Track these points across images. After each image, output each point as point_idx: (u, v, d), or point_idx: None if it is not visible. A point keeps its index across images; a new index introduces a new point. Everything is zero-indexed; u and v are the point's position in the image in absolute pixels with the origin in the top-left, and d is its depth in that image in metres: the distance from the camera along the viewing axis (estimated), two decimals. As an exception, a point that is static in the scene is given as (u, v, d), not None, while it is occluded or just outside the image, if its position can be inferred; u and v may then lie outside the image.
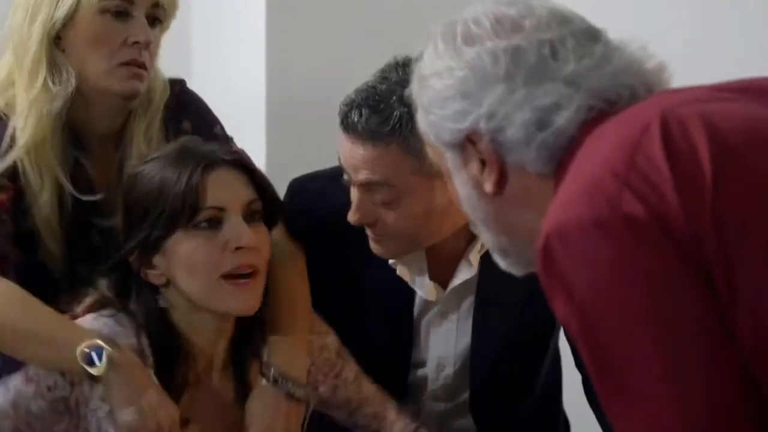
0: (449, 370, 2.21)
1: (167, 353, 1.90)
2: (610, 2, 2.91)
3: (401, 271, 2.13)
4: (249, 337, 1.97)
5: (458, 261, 2.14)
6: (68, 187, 2.07)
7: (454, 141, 1.46)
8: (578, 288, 1.25)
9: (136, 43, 2.08)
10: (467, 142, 1.45)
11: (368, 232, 2.08)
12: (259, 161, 2.02)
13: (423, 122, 1.51)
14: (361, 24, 3.21)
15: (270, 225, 1.97)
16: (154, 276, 1.92)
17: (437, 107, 1.47)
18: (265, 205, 1.94)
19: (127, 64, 2.08)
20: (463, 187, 1.49)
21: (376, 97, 2.00)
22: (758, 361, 1.22)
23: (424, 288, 2.14)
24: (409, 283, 2.13)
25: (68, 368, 1.85)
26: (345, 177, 2.07)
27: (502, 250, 1.51)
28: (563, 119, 1.39)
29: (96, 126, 2.15)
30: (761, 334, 1.21)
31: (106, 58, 2.08)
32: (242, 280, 1.88)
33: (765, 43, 2.71)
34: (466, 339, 2.19)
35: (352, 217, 2.05)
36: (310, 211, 2.16)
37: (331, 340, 2.07)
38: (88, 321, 1.91)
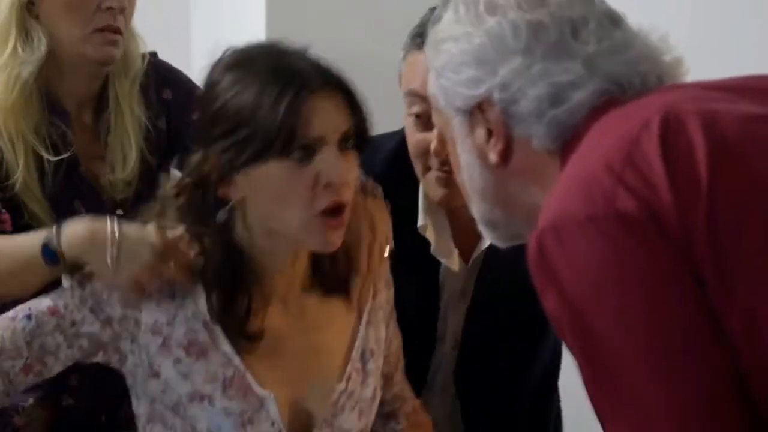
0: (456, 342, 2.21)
1: (233, 274, 1.79)
2: (610, 2, 2.91)
3: (430, 234, 2.11)
4: (323, 265, 1.87)
5: (479, 234, 2.12)
6: (40, 149, 2.06)
7: (464, 107, 1.45)
8: (569, 283, 1.25)
9: (110, 8, 2.08)
10: (476, 110, 1.44)
11: (441, 172, 2.01)
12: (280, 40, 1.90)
13: (434, 85, 1.50)
14: (361, 22, 3.21)
15: (360, 150, 1.81)
16: (229, 193, 1.77)
17: (451, 71, 1.46)
18: (358, 131, 1.79)
19: (101, 30, 2.08)
20: (467, 154, 1.48)
21: None
22: (750, 359, 1.21)
23: (448, 255, 2.11)
24: (433, 251, 2.11)
25: (40, 271, 1.78)
26: (415, 109, 2.01)
27: (493, 222, 1.51)
28: (577, 99, 1.39)
29: (72, 92, 2.15)
30: (754, 332, 1.21)
31: (81, 25, 2.08)
32: (333, 221, 1.74)
33: (765, 43, 2.71)
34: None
35: (441, 145, 1.95)
36: None
37: (392, 294, 2.01)
38: None
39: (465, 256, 2.16)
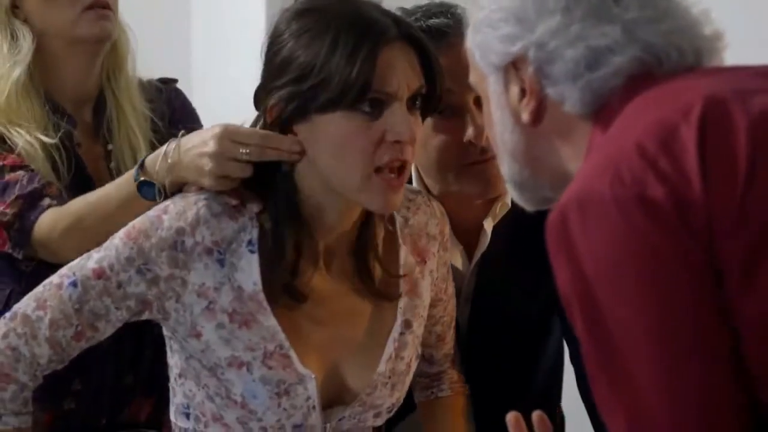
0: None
1: (290, 226, 1.75)
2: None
3: None
4: (373, 229, 1.84)
5: (479, 233, 2.12)
6: (53, 151, 2.06)
7: (499, 63, 1.44)
8: (586, 259, 1.24)
9: None
10: (511, 67, 1.43)
11: (481, 158, 1.97)
12: None
13: (471, 40, 1.48)
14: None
15: (427, 112, 1.78)
16: (297, 146, 1.74)
17: (489, 26, 1.44)
18: (429, 92, 1.75)
19: (90, 7, 2.07)
20: (500, 112, 1.46)
21: (448, 5, 2.02)
22: (758, 358, 1.21)
23: (453, 252, 2.08)
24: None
25: (135, 197, 1.83)
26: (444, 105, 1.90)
27: (521, 183, 1.49)
28: (614, 65, 1.37)
29: (69, 90, 2.14)
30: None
31: (69, 7, 2.07)
32: (393, 178, 1.71)
33: (765, 42, 2.71)
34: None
35: (483, 134, 1.91)
36: None
37: (447, 257, 1.98)
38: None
39: (468, 256, 2.14)
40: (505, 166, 1.49)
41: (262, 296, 1.75)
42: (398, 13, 1.86)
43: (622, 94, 1.36)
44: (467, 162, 1.98)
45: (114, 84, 2.16)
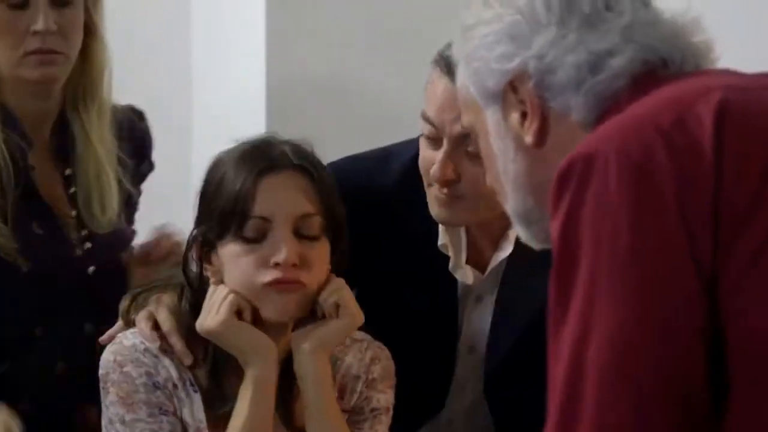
0: (480, 352, 2.20)
1: (227, 364, 1.88)
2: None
3: (451, 251, 2.11)
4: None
5: (496, 245, 2.13)
6: None
7: (497, 87, 1.43)
8: (582, 213, 1.25)
9: (37, 32, 2.01)
10: (509, 90, 1.42)
11: (441, 193, 2.02)
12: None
13: (464, 74, 1.48)
14: (362, 23, 3.20)
15: (334, 241, 1.89)
16: (210, 272, 1.88)
17: (483, 50, 1.44)
18: (327, 219, 1.87)
19: (32, 53, 2.03)
20: (501, 141, 1.45)
21: None
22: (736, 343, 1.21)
23: (461, 272, 2.12)
24: (451, 267, 2.11)
25: None
26: (428, 132, 2.00)
27: (527, 215, 1.48)
28: (616, 66, 1.37)
29: (25, 109, 2.10)
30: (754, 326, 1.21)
31: (11, 49, 2.03)
32: (283, 284, 1.83)
33: (765, 43, 2.70)
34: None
35: (440, 171, 1.97)
36: (358, 192, 2.09)
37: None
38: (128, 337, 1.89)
39: (481, 267, 2.15)
40: (509, 200, 1.49)
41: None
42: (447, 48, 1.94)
43: (629, 94, 1.36)
44: (433, 185, 2.03)
45: (83, 110, 2.10)
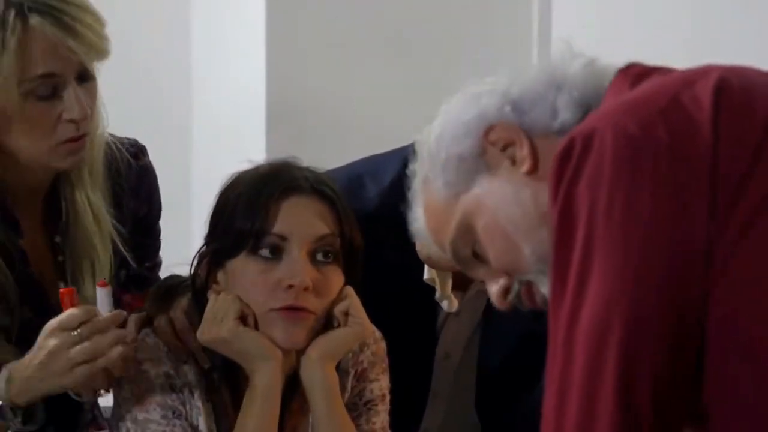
0: (455, 360, 2.20)
1: (222, 376, 1.86)
2: (612, 2, 2.91)
3: (437, 282, 2.10)
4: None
5: None
6: None
7: (474, 153, 1.43)
8: (578, 191, 1.26)
9: (73, 120, 1.85)
10: (487, 144, 1.43)
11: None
12: (266, 159, 1.95)
13: (435, 184, 1.48)
14: (361, 28, 3.21)
15: (349, 269, 1.87)
16: (213, 290, 1.86)
17: (449, 132, 1.45)
18: (343, 245, 1.85)
19: (66, 141, 1.86)
20: (498, 196, 1.44)
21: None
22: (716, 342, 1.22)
23: (447, 302, 2.11)
24: (438, 297, 2.10)
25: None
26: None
27: (546, 256, 1.40)
28: (581, 62, 1.41)
29: (22, 183, 1.95)
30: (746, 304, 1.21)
31: (42, 140, 1.86)
32: (290, 313, 1.80)
33: (766, 43, 2.70)
34: (471, 332, 2.19)
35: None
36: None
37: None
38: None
39: (463, 286, 2.14)
40: (525, 249, 1.44)
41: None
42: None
43: (619, 83, 1.38)
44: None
45: (75, 174, 1.96)
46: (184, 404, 1.83)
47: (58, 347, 1.75)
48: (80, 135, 1.86)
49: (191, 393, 1.83)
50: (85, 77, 1.86)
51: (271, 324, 1.80)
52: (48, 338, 1.77)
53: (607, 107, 1.33)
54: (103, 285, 1.81)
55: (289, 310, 1.79)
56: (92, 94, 1.88)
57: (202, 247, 1.88)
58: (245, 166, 1.90)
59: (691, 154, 1.23)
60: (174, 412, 1.82)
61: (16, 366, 1.80)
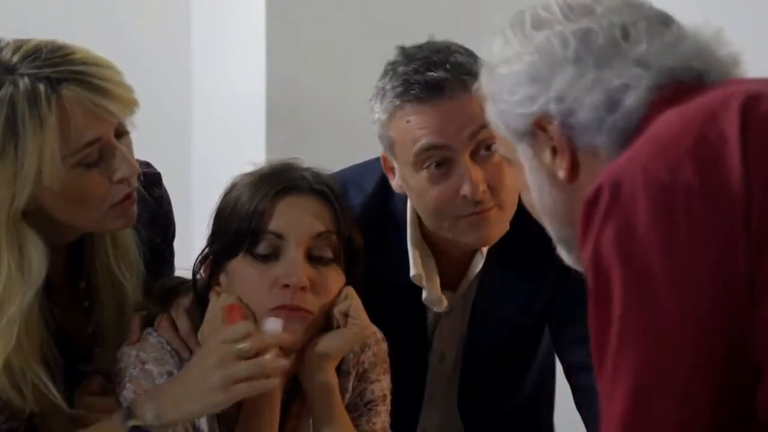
0: (449, 360, 2.20)
1: None
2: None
3: (424, 282, 2.09)
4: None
5: (467, 264, 2.12)
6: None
7: (524, 128, 1.43)
8: (609, 242, 1.25)
9: (124, 179, 1.79)
10: (537, 129, 1.42)
11: (476, 215, 1.97)
12: (269, 160, 1.95)
13: (493, 113, 1.48)
14: (361, 28, 3.21)
15: (349, 269, 1.87)
16: (216, 292, 1.86)
17: (507, 93, 1.44)
18: (342, 244, 1.85)
19: (117, 203, 1.80)
20: (535, 176, 1.45)
21: (446, 47, 1.98)
22: None
23: (437, 302, 2.11)
24: (425, 299, 2.10)
25: None
26: (435, 163, 1.94)
27: (567, 241, 1.47)
28: (632, 99, 1.36)
29: (61, 238, 1.87)
30: None
31: (97, 207, 1.79)
32: (288, 311, 1.79)
33: (766, 43, 2.70)
34: (465, 330, 2.18)
35: (480, 186, 1.92)
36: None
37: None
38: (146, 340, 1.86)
39: (452, 285, 2.14)
40: (548, 227, 1.49)
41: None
42: (399, 54, 1.97)
43: (648, 118, 1.36)
44: (462, 214, 1.98)
45: (97, 240, 1.90)
46: None
47: (220, 360, 1.72)
48: (131, 192, 1.82)
49: None
50: (122, 133, 1.81)
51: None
52: (208, 353, 1.74)
53: (633, 151, 1.31)
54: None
55: (286, 309, 1.79)
56: (131, 147, 1.83)
57: (204, 249, 1.88)
58: (247, 168, 1.90)
59: (724, 203, 1.21)
60: None
61: (161, 389, 1.78)
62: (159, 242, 2.04)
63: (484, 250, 2.10)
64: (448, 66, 1.95)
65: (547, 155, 1.43)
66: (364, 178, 2.12)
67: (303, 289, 1.79)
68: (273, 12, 3.17)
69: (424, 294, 2.10)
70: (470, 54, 1.96)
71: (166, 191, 2.07)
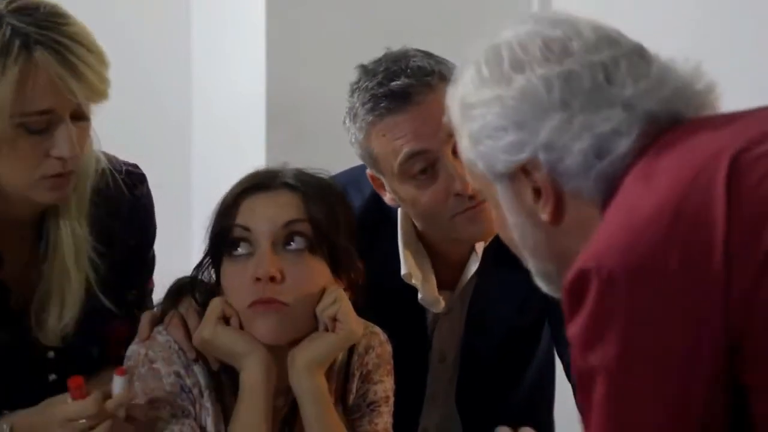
0: (449, 360, 2.21)
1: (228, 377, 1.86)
2: (613, 2, 2.90)
3: (416, 282, 2.10)
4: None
5: (463, 265, 2.13)
6: None
7: (507, 171, 1.41)
8: (597, 324, 1.26)
9: (61, 158, 1.80)
10: (520, 173, 1.40)
11: (468, 212, 1.99)
12: (258, 165, 1.96)
13: (470, 152, 1.44)
14: (361, 28, 3.20)
15: (333, 259, 1.85)
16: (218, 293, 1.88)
17: (488, 138, 1.41)
18: (315, 231, 1.83)
19: (50, 176, 1.81)
20: (516, 217, 1.44)
21: (403, 54, 2.01)
22: None
23: (434, 303, 2.12)
24: (421, 300, 2.10)
25: None
26: (419, 167, 1.97)
27: (547, 275, 1.47)
28: (623, 147, 1.35)
29: (14, 210, 1.89)
30: None
31: (25, 172, 1.80)
32: (262, 305, 1.80)
33: (766, 43, 2.70)
34: (464, 329, 2.19)
35: (468, 183, 1.91)
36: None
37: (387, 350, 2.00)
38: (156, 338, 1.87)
39: (450, 285, 2.15)
40: (528, 261, 1.48)
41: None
42: (361, 72, 2.02)
43: (634, 163, 1.35)
44: (458, 211, 2.00)
45: (61, 209, 1.92)
46: (193, 404, 1.83)
47: None
48: (66, 172, 1.81)
49: (201, 393, 1.83)
50: (80, 116, 1.81)
51: (250, 320, 1.81)
52: (56, 429, 1.75)
53: (612, 225, 1.30)
54: (122, 373, 1.77)
55: (261, 304, 1.79)
56: (85, 133, 1.84)
57: (204, 256, 1.90)
58: (248, 169, 1.91)
59: (703, 286, 1.21)
60: (183, 412, 1.82)
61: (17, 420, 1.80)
62: (133, 245, 2.02)
63: (480, 250, 2.11)
64: (408, 71, 1.98)
65: (528, 196, 1.41)
66: (363, 180, 2.13)
67: (273, 280, 1.79)
68: (273, 12, 3.17)
69: (420, 294, 2.10)
70: (427, 55, 2.01)
71: (149, 193, 2.06)
